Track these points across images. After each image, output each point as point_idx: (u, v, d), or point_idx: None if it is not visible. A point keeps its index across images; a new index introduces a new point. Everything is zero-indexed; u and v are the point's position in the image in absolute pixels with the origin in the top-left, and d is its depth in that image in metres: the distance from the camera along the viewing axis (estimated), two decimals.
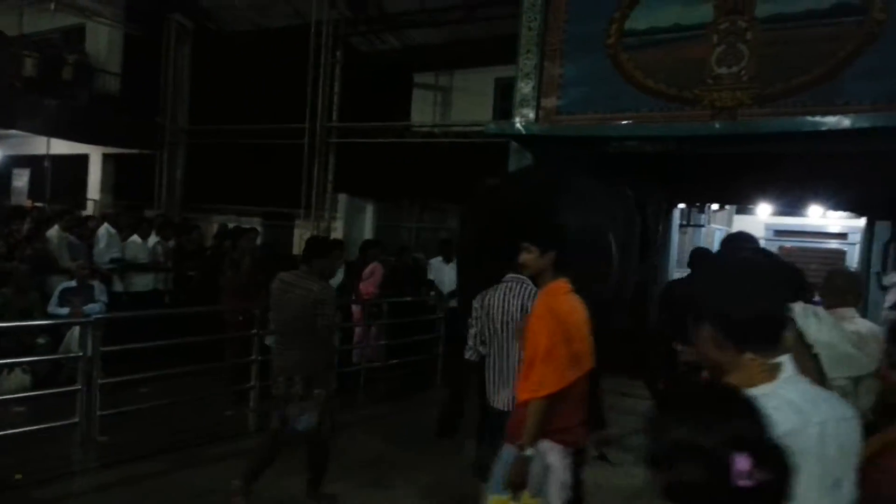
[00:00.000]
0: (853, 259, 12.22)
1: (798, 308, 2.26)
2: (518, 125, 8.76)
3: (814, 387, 1.59)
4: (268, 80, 12.35)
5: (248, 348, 6.36)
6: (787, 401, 1.39)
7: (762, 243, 13.42)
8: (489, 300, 3.76)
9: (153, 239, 9.11)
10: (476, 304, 3.87)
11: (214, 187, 13.09)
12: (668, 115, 7.87)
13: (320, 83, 11.90)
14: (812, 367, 2.13)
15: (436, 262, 8.78)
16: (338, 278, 7.52)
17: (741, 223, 11.93)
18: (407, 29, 11.87)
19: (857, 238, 11.87)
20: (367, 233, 12.58)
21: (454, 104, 12.63)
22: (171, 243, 9.37)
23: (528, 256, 3.20)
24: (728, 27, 7.56)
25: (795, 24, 7.21)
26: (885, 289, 9.84)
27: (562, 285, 3.16)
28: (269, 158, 12.31)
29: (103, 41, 13.63)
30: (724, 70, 7.59)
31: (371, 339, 8.25)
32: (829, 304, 3.40)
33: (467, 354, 3.50)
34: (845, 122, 6.79)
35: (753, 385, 1.45)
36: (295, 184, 12.03)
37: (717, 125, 7.48)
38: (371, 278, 8.30)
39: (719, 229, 12.39)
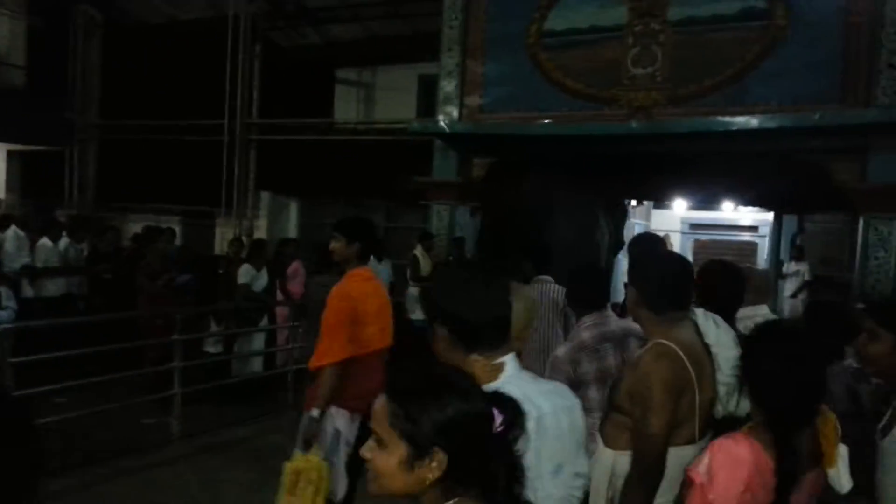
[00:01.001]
0: (763, 250, 12.85)
1: (699, 312, 2.44)
2: (442, 123, 8.80)
3: (536, 382, 1.74)
4: (184, 75, 11.98)
5: (170, 354, 6.20)
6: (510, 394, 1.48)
7: (678, 237, 14.05)
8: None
9: (64, 241, 8.73)
10: None
11: (130, 185, 12.62)
12: (587, 115, 8.07)
13: (239, 78, 11.62)
14: (710, 364, 2.30)
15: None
16: (262, 281, 7.39)
17: (659, 217, 12.37)
18: (328, 24, 11.73)
19: (766, 231, 12.49)
20: (291, 231, 12.40)
21: (378, 100, 12.57)
22: (84, 245, 9.00)
23: (336, 244, 3.59)
24: (642, 29, 7.80)
25: (705, 28, 7.51)
26: (785, 277, 10.43)
27: (362, 272, 3.61)
28: (188, 155, 11.94)
29: (5, 32, 12.91)
30: (639, 71, 7.84)
31: (299, 341, 8.15)
32: (746, 302, 3.59)
33: None
34: (753, 122, 7.12)
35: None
36: (215, 182, 11.74)
37: (633, 125, 7.71)
38: (296, 278, 8.19)
39: (638, 223, 12.79)
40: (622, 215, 10.37)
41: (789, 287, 10.21)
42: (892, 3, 6.75)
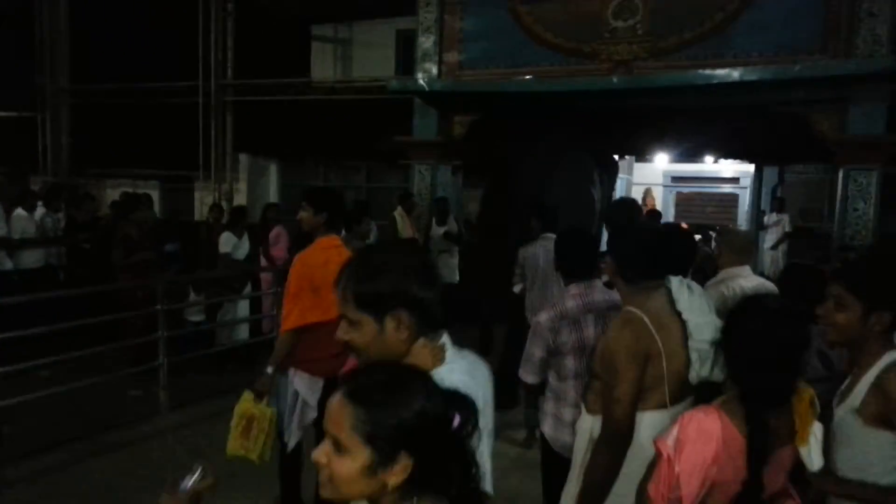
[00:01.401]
0: (745, 202, 12.91)
1: (675, 280, 2.42)
2: (421, 81, 8.67)
3: (465, 358, 1.66)
4: (156, 35, 11.63)
5: (154, 324, 6.15)
6: (459, 381, 1.43)
7: (660, 190, 14.08)
8: (531, 251, 5.11)
9: (40, 211, 8.58)
10: (521, 253, 5.18)
11: (105, 151, 12.36)
12: (568, 70, 7.97)
13: (212, 38, 11.33)
14: (680, 330, 2.32)
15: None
16: (243, 249, 7.33)
17: (641, 171, 12.36)
18: None
19: (748, 182, 12.52)
20: (272, 193, 12.26)
21: (355, 57, 12.33)
22: (61, 215, 8.86)
23: (305, 214, 3.78)
24: None
25: None
26: (765, 228, 10.50)
27: (327, 241, 3.75)
28: (163, 119, 11.69)
29: None
30: (619, 24, 7.73)
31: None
32: (726, 263, 3.59)
33: (529, 379, 3.10)
34: (734, 74, 7.07)
35: (428, 370, 1.50)
36: (192, 145, 11.53)
37: (614, 79, 7.63)
38: (279, 243, 8.13)
39: (620, 177, 12.75)
40: (614, 171, 10.42)
41: (770, 238, 10.28)
42: None
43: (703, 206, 14.65)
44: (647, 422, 2.27)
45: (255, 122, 11.43)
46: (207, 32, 11.27)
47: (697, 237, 11.03)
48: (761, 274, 9.73)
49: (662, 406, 2.29)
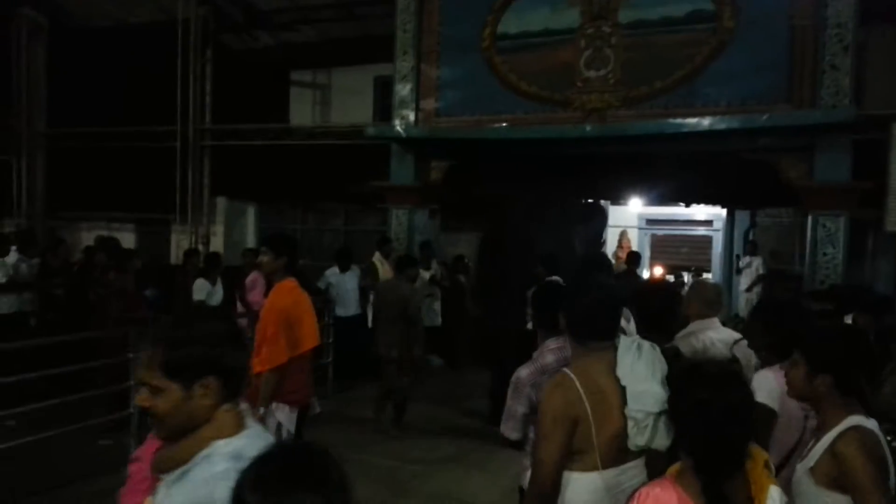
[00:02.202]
0: (718, 244, 13.10)
1: (625, 341, 2.41)
2: (398, 128, 8.79)
3: (261, 432, 1.66)
4: (134, 80, 11.70)
5: (126, 372, 6.05)
6: (263, 444, 1.46)
7: (636, 232, 14.26)
8: None
9: (14, 256, 8.48)
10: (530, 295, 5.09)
11: (81, 194, 12.30)
12: (542, 118, 8.13)
13: (190, 83, 11.40)
14: (618, 396, 2.28)
15: (332, 273, 8.42)
16: (217, 295, 7.28)
17: (616, 214, 12.51)
18: (281, 28, 11.57)
19: (721, 225, 12.72)
20: (249, 237, 12.24)
21: (334, 102, 12.46)
22: (35, 261, 8.76)
23: (265, 258, 4.07)
24: (594, 32, 7.88)
25: (654, 31, 7.63)
26: (740, 271, 10.66)
27: (289, 284, 4.05)
28: (140, 162, 11.68)
29: None
30: (592, 73, 7.91)
31: None
32: (696, 315, 3.63)
33: (513, 435, 3.00)
34: (704, 123, 7.27)
35: (222, 436, 1.54)
36: (169, 188, 11.50)
37: (587, 128, 7.79)
38: (255, 288, 8.09)
39: None
40: (601, 220, 10.75)
41: (744, 281, 10.43)
42: (833, 6, 6.93)
43: (678, 247, 14.85)
44: (575, 483, 2.27)
45: (233, 166, 11.45)
46: (186, 78, 11.34)
47: (670, 277, 11.22)
48: (736, 316, 9.89)
49: (594, 469, 2.26)
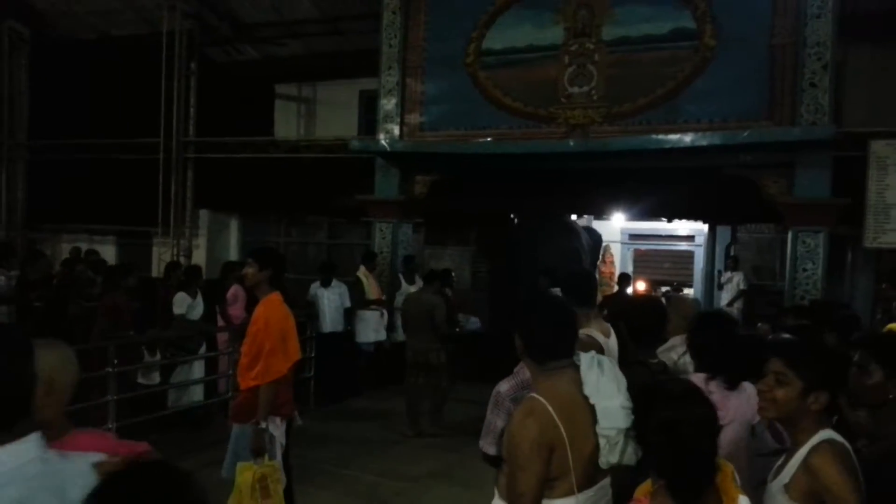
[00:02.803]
0: (700, 259, 13.18)
1: (585, 359, 2.36)
2: (382, 142, 8.80)
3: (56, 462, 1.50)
4: (117, 92, 11.65)
5: (104, 387, 5.98)
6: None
7: (618, 247, 14.35)
8: None
9: None
10: None
11: (62, 206, 12.17)
12: (526, 133, 8.17)
13: (174, 96, 11.36)
14: (588, 415, 2.24)
15: (314, 287, 8.27)
16: (198, 309, 7.21)
17: (599, 229, 12.53)
18: (266, 42, 11.59)
19: (702, 240, 12.82)
20: (232, 249, 12.17)
21: (318, 115, 12.48)
22: (14, 273, 8.65)
23: (250, 270, 4.04)
24: (578, 49, 7.95)
25: (637, 48, 7.71)
26: (721, 287, 10.72)
27: (276, 297, 4.04)
28: (123, 175, 11.60)
29: None
30: (575, 89, 7.98)
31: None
32: (676, 330, 3.65)
33: (492, 451, 2.83)
34: (685, 139, 7.34)
35: None
36: (151, 200, 11.43)
37: (571, 143, 7.84)
38: (237, 302, 8.04)
39: None
40: (598, 241, 10.97)
41: (725, 296, 10.49)
42: (812, 26, 7.04)
43: (661, 262, 14.93)
44: None
45: (216, 179, 11.40)
46: (170, 91, 11.30)
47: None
48: None
49: (570, 493, 2.21)
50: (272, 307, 4.00)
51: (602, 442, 2.22)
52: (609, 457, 2.22)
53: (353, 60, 10.79)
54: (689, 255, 14.27)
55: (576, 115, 7.97)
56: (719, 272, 11.07)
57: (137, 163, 11.52)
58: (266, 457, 3.87)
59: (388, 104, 8.90)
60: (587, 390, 2.27)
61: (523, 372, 3.11)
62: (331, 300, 8.09)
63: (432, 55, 8.73)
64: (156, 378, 6.83)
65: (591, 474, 2.25)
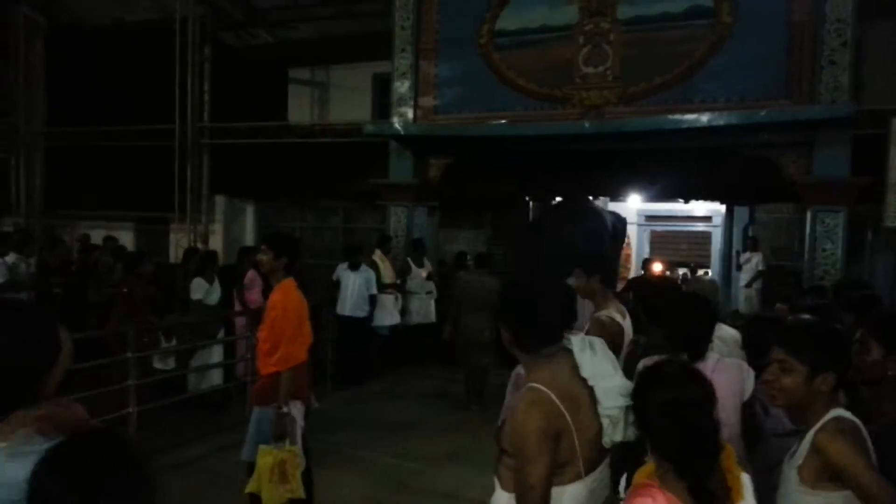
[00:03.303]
0: (717, 240, 13.08)
1: (576, 341, 2.32)
2: (396, 125, 8.78)
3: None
4: (132, 78, 11.69)
5: (125, 372, 6.05)
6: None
7: (635, 228, 14.25)
8: None
9: (13, 256, 8.46)
10: None
11: (79, 193, 12.31)
12: (541, 114, 8.11)
13: (189, 81, 11.39)
14: (588, 398, 2.21)
15: (341, 269, 8.17)
16: (215, 294, 7.26)
17: (616, 210, 12.47)
18: (279, 26, 11.56)
19: (720, 221, 12.71)
20: (248, 235, 12.23)
21: (332, 99, 12.46)
22: (33, 260, 8.75)
23: (265, 257, 4.05)
24: (592, 28, 7.86)
25: (653, 27, 7.60)
26: (740, 267, 10.65)
27: (290, 283, 4.06)
28: (139, 161, 11.68)
29: None
30: (590, 70, 7.90)
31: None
32: None
33: None
34: (702, 119, 7.25)
35: None
36: (168, 187, 11.50)
37: (586, 124, 7.78)
38: (254, 287, 8.09)
39: None
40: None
41: (744, 277, 10.41)
42: (832, 2, 6.90)
43: (678, 244, 14.85)
44: (563, 499, 2.17)
45: (231, 165, 11.46)
46: (184, 76, 11.33)
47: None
48: (735, 312, 9.88)
49: (578, 478, 2.19)
50: (288, 293, 4.03)
51: (605, 423, 2.20)
52: (614, 435, 2.20)
53: (366, 43, 10.74)
54: (706, 236, 14.17)
55: (591, 97, 7.90)
56: (737, 253, 10.99)
57: (153, 149, 11.59)
58: (287, 441, 3.91)
59: (402, 87, 8.87)
60: (584, 372, 2.23)
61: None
62: (356, 284, 8.05)
63: (445, 37, 8.67)
64: (171, 363, 6.89)
65: (594, 457, 2.24)
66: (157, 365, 6.77)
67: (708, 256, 13.91)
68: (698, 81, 7.47)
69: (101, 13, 12.26)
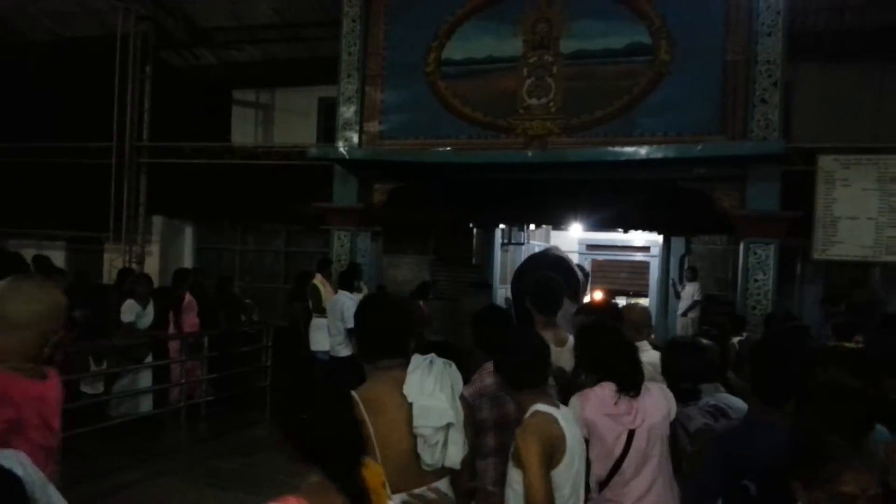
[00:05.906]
0: (655, 269, 13.38)
1: (416, 359, 2.34)
2: (341, 149, 8.74)
3: None
4: (70, 95, 11.36)
5: None
6: None
7: (576, 257, 14.47)
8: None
9: None
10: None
11: (9, 210, 11.82)
12: (485, 143, 8.21)
13: (128, 99, 11.14)
14: (405, 414, 2.22)
15: (342, 296, 7.50)
16: (147, 317, 7.05)
17: (558, 239, 12.69)
18: (224, 47, 11.45)
19: (657, 251, 13.02)
20: (187, 256, 11.96)
21: (277, 122, 12.37)
22: None
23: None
24: (536, 61, 8.02)
25: (595, 61, 7.81)
26: (678, 295, 10.92)
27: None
28: (74, 179, 11.29)
29: None
30: (534, 101, 8.05)
31: (192, 375, 7.83)
32: (626, 337, 3.69)
33: None
34: (641, 152, 7.44)
35: None
36: (103, 206, 11.17)
37: (529, 154, 7.90)
38: (191, 310, 7.90)
39: (538, 245, 13.06)
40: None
41: (682, 305, 10.68)
42: (763, 43, 7.22)
43: (617, 272, 15.15)
44: None
45: (171, 184, 11.20)
46: (123, 93, 11.07)
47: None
48: (673, 339, 10.09)
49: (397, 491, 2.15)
50: None
51: (420, 442, 2.20)
52: (427, 457, 2.20)
53: (313, 67, 10.73)
54: (645, 265, 14.48)
55: (534, 127, 8.03)
56: (673, 282, 11.26)
57: (90, 167, 11.24)
58: None
59: (348, 112, 8.86)
60: (406, 389, 2.24)
61: (481, 380, 3.12)
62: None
63: (392, 64, 8.72)
64: (100, 388, 6.64)
65: (411, 476, 2.21)
66: (86, 389, 6.51)
67: (646, 285, 14.22)
68: (638, 115, 7.68)
69: (40, 28, 11.92)
